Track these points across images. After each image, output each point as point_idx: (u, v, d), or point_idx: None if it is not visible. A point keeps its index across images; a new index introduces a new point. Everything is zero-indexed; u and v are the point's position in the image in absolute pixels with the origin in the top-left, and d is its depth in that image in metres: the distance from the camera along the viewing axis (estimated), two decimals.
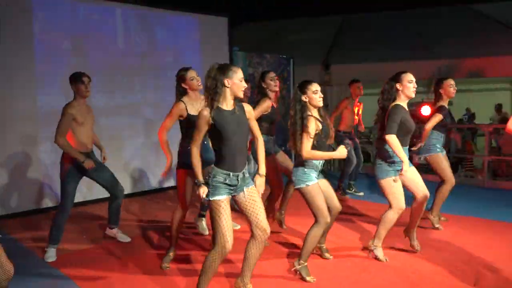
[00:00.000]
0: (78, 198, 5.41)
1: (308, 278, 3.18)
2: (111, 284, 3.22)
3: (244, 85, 2.66)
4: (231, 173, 2.64)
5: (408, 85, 3.41)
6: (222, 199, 2.62)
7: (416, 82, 3.47)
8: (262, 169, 2.80)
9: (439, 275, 3.27)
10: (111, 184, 4.00)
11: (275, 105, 4.18)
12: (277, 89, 4.11)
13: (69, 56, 5.53)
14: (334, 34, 12.37)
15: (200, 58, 6.90)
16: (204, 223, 4.41)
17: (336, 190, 5.42)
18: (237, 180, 2.67)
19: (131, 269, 3.50)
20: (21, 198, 5.24)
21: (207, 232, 4.30)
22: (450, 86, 4.24)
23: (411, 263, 3.51)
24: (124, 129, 6.09)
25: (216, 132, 2.62)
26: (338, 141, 5.34)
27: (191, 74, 3.46)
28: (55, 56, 5.43)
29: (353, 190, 6.05)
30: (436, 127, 4.25)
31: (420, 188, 3.51)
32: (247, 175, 2.75)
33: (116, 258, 3.75)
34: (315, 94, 3.11)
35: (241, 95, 2.65)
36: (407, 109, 3.48)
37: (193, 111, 3.34)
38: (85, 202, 5.53)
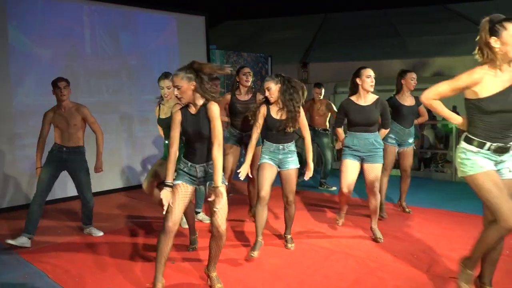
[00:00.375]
0: (60, 194, 5.61)
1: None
2: (82, 276, 3.32)
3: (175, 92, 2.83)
4: (189, 163, 2.88)
5: (366, 80, 3.72)
6: (178, 183, 2.85)
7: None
8: (216, 181, 2.75)
9: (396, 262, 3.45)
10: (81, 189, 4.19)
11: (246, 99, 4.35)
12: (248, 84, 4.35)
13: (44, 55, 5.61)
14: (314, 33, 12.57)
15: (178, 57, 7.01)
16: (201, 215, 4.69)
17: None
18: (196, 171, 2.86)
19: (104, 262, 3.61)
20: None
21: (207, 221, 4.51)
22: (412, 79, 4.46)
23: (372, 252, 3.69)
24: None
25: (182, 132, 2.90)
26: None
27: (161, 84, 3.79)
28: (30, 55, 5.50)
29: (325, 187, 6.31)
30: (393, 119, 4.39)
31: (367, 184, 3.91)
32: (210, 171, 2.88)
33: (90, 252, 3.86)
34: (267, 91, 3.54)
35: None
36: (360, 103, 3.80)
37: (162, 115, 3.81)
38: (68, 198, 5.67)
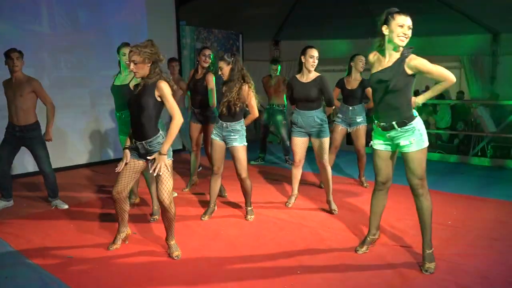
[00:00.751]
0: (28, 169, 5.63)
1: None
2: (45, 246, 3.43)
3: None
4: (133, 140, 3.11)
5: (309, 59, 3.95)
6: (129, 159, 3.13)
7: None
8: (163, 148, 2.96)
9: (346, 232, 3.68)
10: (40, 163, 4.29)
11: (198, 78, 4.60)
12: (205, 65, 4.51)
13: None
14: (288, 10, 12.53)
15: (147, 32, 6.98)
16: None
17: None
18: (138, 148, 3.07)
19: (67, 232, 3.72)
20: None
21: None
22: (360, 61, 4.78)
23: (326, 222, 3.91)
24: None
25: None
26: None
27: (123, 50, 3.92)
28: None
29: (289, 162, 6.45)
30: (341, 100, 4.96)
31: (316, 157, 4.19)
32: (150, 148, 3.04)
33: (55, 224, 3.96)
34: (220, 70, 3.81)
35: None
36: (302, 80, 4.06)
37: (117, 82, 4.01)
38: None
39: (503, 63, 8.71)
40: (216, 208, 4.11)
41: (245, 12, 12.22)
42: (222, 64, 3.76)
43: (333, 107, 4.33)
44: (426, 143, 2.85)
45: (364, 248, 3.21)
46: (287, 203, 4.40)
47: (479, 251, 3.23)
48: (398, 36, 2.71)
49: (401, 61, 2.77)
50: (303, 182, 5.21)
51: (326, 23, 11.29)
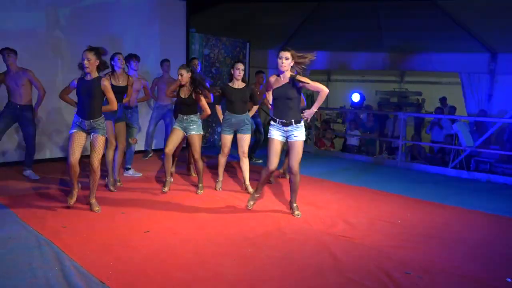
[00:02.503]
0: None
1: None
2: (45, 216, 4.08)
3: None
4: (80, 119, 4.19)
5: (236, 71, 5.09)
6: (73, 132, 4.17)
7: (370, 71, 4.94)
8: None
9: (306, 223, 4.18)
10: (25, 138, 5.52)
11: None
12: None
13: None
14: (301, 20, 13.05)
15: (159, 38, 7.65)
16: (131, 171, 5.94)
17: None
18: (85, 125, 4.19)
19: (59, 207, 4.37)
20: None
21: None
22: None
23: (287, 218, 4.43)
24: None
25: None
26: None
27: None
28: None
29: (254, 160, 7.23)
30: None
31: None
32: (95, 125, 4.20)
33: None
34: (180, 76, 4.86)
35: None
36: (234, 87, 5.15)
37: (114, 82, 5.09)
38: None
39: (500, 82, 8.99)
40: (172, 180, 5.32)
41: (260, 20, 12.82)
42: (182, 71, 4.79)
43: (257, 105, 5.49)
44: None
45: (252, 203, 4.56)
46: (215, 187, 5.35)
47: (411, 245, 3.68)
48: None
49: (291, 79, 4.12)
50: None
51: (335, 34, 11.75)
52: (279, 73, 4.23)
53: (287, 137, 4.22)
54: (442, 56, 9.80)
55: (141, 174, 5.94)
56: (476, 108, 9.26)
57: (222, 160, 5.31)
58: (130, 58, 5.62)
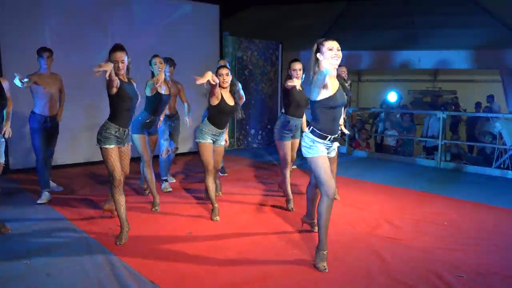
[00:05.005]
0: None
1: None
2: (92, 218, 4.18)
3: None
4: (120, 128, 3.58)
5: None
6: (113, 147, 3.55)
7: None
8: None
9: (348, 224, 4.12)
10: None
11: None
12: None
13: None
14: (332, 21, 12.95)
15: (192, 42, 7.73)
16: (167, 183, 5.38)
17: None
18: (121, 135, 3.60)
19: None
20: None
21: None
22: (343, 72, 4.91)
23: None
24: None
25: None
26: None
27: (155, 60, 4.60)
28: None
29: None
30: None
31: None
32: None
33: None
34: (220, 77, 4.07)
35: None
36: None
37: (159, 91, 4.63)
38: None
39: None
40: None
41: (291, 22, 12.82)
42: (226, 70, 4.11)
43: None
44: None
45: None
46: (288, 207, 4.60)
47: (461, 247, 3.56)
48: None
49: None
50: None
51: (366, 33, 11.60)
52: (325, 71, 3.02)
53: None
54: (481, 53, 9.50)
55: (174, 180, 5.78)
56: None
57: (288, 173, 4.60)
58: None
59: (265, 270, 3.09)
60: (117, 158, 3.54)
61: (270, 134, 9.49)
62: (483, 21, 10.83)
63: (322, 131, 3.14)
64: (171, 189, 5.26)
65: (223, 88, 4.12)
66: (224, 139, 4.37)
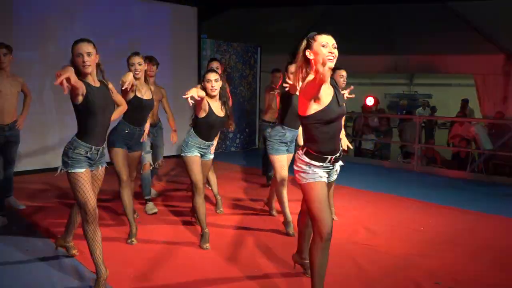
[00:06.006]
0: None
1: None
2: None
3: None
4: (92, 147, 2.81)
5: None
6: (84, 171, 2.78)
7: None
8: None
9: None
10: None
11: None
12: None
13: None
14: (310, 24, 12.99)
15: (170, 44, 7.62)
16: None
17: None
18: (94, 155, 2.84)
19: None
20: None
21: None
22: (341, 76, 4.62)
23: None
24: None
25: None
26: (262, 130, 5.73)
27: (131, 60, 3.78)
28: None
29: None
30: None
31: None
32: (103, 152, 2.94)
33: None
34: (208, 83, 3.50)
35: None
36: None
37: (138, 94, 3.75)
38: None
39: None
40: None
41: (270, 25, 12.79)
42: (215, 76, 3.53)
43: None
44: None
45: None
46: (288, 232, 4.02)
47: (438, 254, 3.58)
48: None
49: None
50: None
51: (346, 39, 11.67)
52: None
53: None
54: (456, 58, 9.69)
55: (156, 193, 5.12)
56: (491, 110, 9.12)
57: (285, 191, 3.99)
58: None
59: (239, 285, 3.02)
60: (90, 185, 2.78)
61: (248, 138, 9.44)
62: (458, 28, 11.07)
63: (319, 153, 2.52)
64: (156, 210, 4.51)
65: (211, 97, 3.55)
66: (211, 152, 3.87)
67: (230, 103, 3.91)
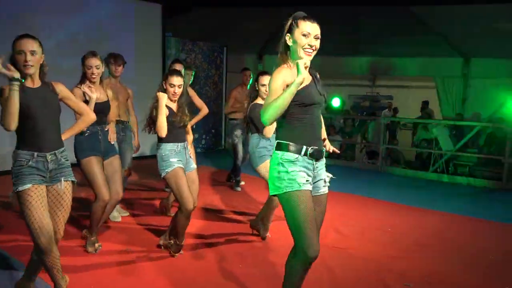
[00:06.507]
0: None
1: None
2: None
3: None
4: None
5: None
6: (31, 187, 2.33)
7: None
8: None
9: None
10: None
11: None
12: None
13: None
14: (276, 26, 12.99)
15: (134, 43, 7.37)
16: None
17: (228, 180, 5.82)
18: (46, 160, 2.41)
19: None
20: None
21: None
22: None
23: (276, 228, 4.28)
24: None
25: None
26: (228, 132, 5.63)
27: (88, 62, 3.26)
28: None
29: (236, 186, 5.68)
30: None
31: None
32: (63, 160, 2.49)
33: None
34: (171, 88, 3.25)
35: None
36: None
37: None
38: None
39: (473, 86, 9.20)
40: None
41: (232, 26, 12.70)
42: (179, 79, 3.29)
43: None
44: None
45: None
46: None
47: (407, 255, 3.61)
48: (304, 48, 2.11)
49: None
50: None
51: None
52: (294, 63, 2.13)
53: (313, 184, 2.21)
54: (417, 61, 9.97)
55: (127, 213, 4.44)
56: (450, 112, 9.43)
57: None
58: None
59: None
60: (42, 206, 2.28)
61: (214, 139, 9.31)
62: (419, 31, 11.39)
63: (294, 140, 2.13)
64: (120, 219, 4.21)
65: (172, 101, 3.29)
66: (193, 159, 3.46)
67: (204, 112, 4.09)
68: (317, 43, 2.14)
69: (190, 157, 3.38)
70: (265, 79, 3.57)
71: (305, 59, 2.07)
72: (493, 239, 4.12)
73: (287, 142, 2.14)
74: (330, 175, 2.31)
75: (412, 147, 9.10)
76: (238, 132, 5.49)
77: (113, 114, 3.57)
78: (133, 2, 7.38)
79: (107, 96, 3.44)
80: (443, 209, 5.02)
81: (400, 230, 4.25)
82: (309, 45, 2.11)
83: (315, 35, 2.13)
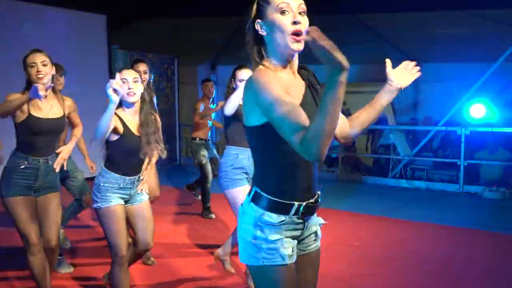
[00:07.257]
0: None
1: None
2: None
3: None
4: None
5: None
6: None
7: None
8: None
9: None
10: None
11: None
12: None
13: None
14: (229, 35, 12.82)
15: (78, 55, 6.90)
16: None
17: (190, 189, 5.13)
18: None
19: None
20: None
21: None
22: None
23: None
24: None
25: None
26: (192, 152, 5.04)
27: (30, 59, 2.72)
28: None
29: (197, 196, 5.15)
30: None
31: None
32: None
33: None
34: (124, 81, 2.43)
35: None
36: None
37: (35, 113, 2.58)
38: None
39: (424, 91, 9.40)
40: None
41: (182, 37, 12.39)
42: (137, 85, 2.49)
43: None
44: None
45: None
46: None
47: (376, 271, 3.46)
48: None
49: None
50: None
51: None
52: (282, 61, 1.45)
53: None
54: (367, 67, 10.09)
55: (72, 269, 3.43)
56: (403, 117, 9.58)
57: None
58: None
59: None
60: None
61: (168, 153, 8.88)
62: (368, 39, 11.60)
63: (280, 192, 1.42)
64: (71, 269, 3.37)
65: (127, 106, 2.48)
66: (143, 189, 2.62)
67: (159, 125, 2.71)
68: (305, 20, 1.39)
69: (138, 191, 2.58)
70: (243, 73, 3.03)
71: (295, 46, 1.37)
72: (455, 246, 4.07)
73: (269, 197, 1.41)
74: (322, 221, 1.62)
75: (371, 153, 9.14)
76: (204, 152, 4.92)
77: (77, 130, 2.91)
78: (76, 12, 6.92)
79: (63, 111, 2.69)
80: (405, 217, 4.96)
81: (367, 242, 4.12)
82: (294, 22, 1.36)
83: (299, 7, 1.38)
